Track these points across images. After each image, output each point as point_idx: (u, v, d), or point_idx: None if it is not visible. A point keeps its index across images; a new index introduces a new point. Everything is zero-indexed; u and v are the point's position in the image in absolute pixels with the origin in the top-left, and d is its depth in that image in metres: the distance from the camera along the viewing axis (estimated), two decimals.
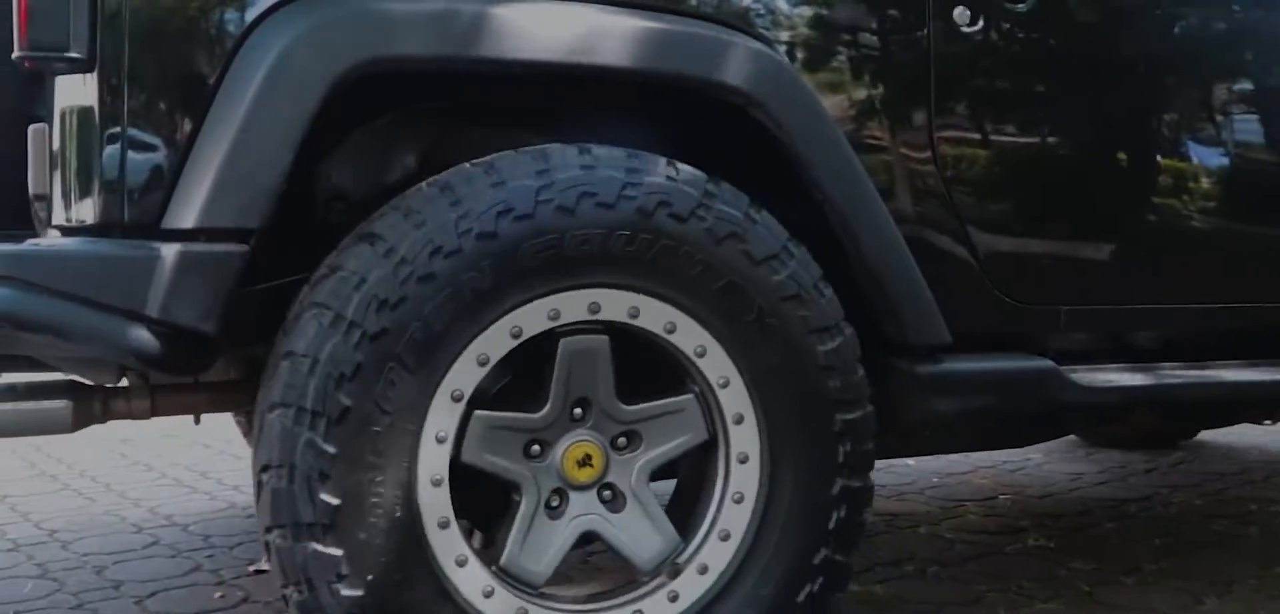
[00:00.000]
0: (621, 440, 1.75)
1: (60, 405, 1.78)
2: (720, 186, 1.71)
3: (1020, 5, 2.01)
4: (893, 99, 1.96)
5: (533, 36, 1.66)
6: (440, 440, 1.60)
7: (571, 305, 1.65)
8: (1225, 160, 2.21)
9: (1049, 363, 2.04)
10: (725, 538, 1.76)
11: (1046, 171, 2.10)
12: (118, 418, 1.90)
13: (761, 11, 1.87)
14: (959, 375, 1.97)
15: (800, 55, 1.88)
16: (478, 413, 1.64)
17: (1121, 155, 2.17)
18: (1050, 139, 2.12)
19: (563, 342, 1.67)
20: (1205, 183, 2.20)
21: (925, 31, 1.95)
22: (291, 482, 1.53)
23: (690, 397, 1.75)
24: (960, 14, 1.97)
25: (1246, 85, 2.26)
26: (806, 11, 1.92)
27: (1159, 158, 2.17)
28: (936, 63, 1.96)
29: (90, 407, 1.83)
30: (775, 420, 1.74)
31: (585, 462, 1.71)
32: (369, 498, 1.55)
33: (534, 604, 1.70)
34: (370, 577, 1.56)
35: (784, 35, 1.88)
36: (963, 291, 2.01)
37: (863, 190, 1.85)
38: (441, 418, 1.60)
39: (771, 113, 1.77)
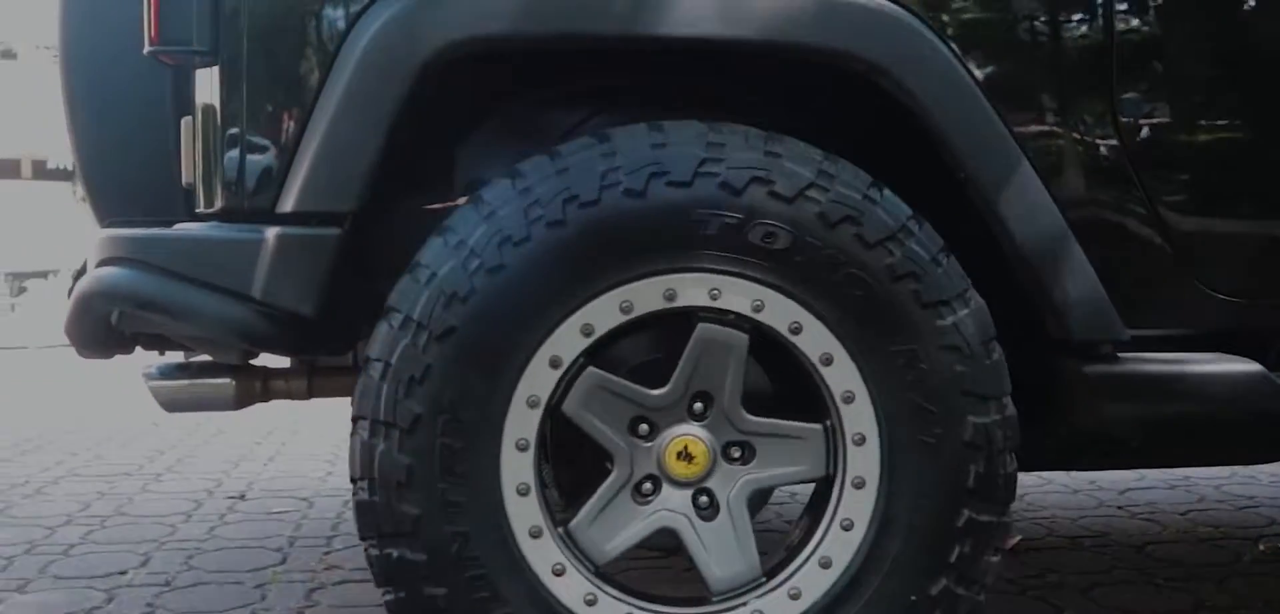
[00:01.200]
0: (735, 450, 1.64)
1: (224, 383, 1.90)
2: (837, 165, 1.58)
3: None
4: (1065, 66, 1.73)
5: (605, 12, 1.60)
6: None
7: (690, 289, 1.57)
8: None
9: (1258, 367, 1.73)
10: (826, 566, 1.62)
11: (1257, 148, 1.79)
12: (278, 397, 2.01)
13: None
14: (1139, 377, 1.71)
15: (942, 17, 1.69)
16: (590, 368, 1.59)
17: None
18: (1266, 108, 1.80)
19: (699, 326, 1.59)
20: None
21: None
22: (372, 494, 1.55)
23: (819, 427, 1.62)
24: None
25: None
26: None
27: None
28: (1118, 20, 1.71)
29: (252, 386, 1.94)
30: (895, 428, 1.58)
31: (685, 456, 1.62)
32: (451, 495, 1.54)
33: (604, 593, 1.62)
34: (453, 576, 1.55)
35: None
36: (1157, 285, 1.75)
37: (1012, 167, 1.64)
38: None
39: (898, 80, 1.60)
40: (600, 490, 1.63)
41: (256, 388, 1.95)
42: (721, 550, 1.65)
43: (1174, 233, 1.74)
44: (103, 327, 1.68)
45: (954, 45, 1.66)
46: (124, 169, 2.02)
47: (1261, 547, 2.70)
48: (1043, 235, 1.65)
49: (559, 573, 1.59)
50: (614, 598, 1.62)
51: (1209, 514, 3.07)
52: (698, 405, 1.62)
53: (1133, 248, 1.74)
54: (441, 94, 1.63)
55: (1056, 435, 1.81)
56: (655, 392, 1.61)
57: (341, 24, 1.63)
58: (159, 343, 1.90)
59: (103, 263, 1.67)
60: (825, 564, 1.63)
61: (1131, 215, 1.73)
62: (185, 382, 1.89)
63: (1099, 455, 2.05)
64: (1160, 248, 1.74)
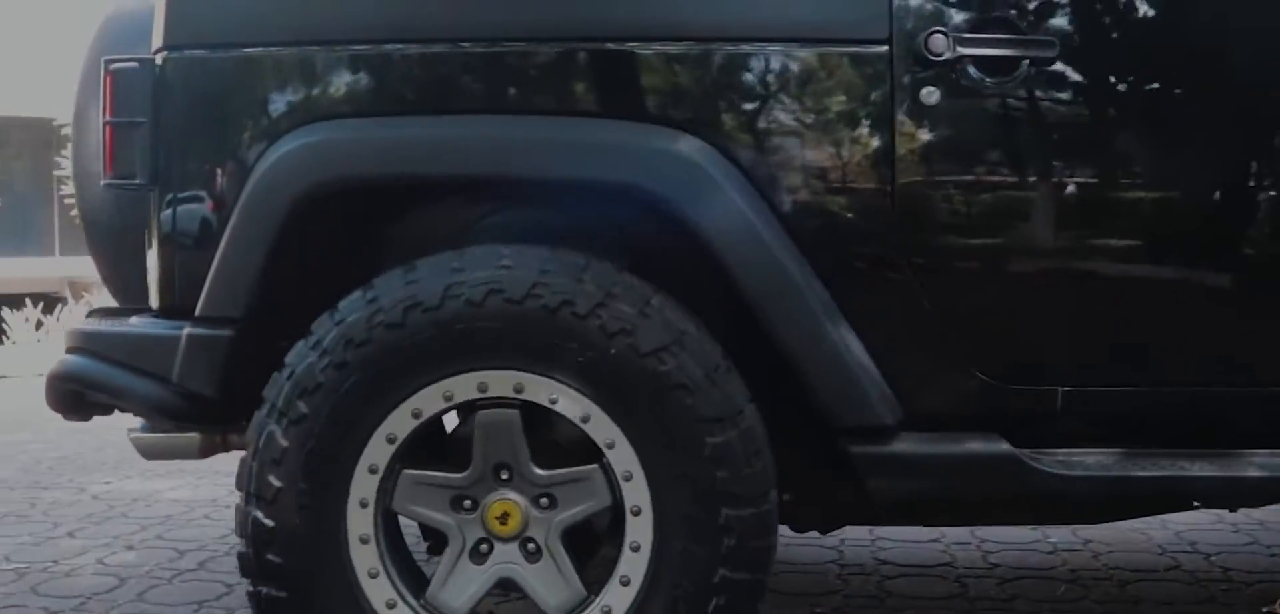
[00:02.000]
0: (543, 500, 1.99)
1: (191, 437, 2.33)
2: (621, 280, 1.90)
3: (992, 82, 1.98)
4: (849, 180, 2.00)
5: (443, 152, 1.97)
6: (364, 504, 1.95)
7: (498, 383, 1.93)
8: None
9: (1006, 447, 1.97)
10: (625, 583, 1.94)
11: (1020, 254, 2.04)
12: (235, 449, 2.44)
13: (685, 103, 2.00)
14: (899, 458, 1.98)
15: (727, 144, 1.97)
16: (404, 472, 1.97)
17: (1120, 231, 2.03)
18: (1031, 217, 2.03)
19: (478, 414, 1.95)
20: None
21: (889, 109, 1.98)
22: (247, 548, 1.94)
23: (595, 467, 1.95)
24: (928, 97, 1.98)
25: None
26: (740, 99, 2.01)
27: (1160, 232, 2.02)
28: (900, 137, 1.99)
29: (213, 439, 2.37)
30: (664, 509, 1.90)
31: (503, 518, 1.97)
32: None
33: None
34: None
35: (711, 124, 1.98)
36: (936, 373, 2.01)
37: (777, 276, 1.93)
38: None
39: (674, 207, 1.92)
40: (443, 561, 1.99)
41: (217, 441, 2.38)
42: (550, 584, 1.98)
43: (949, 331, 2.00)
44: (72, 398, 2.15)
45: (739, 174, 1.96)
46: (128, 276, 2.48)
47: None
48: (803, 334, 1.93)
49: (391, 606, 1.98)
50: None
51: None
52: (504, 473, 1.97)
53: (916, 344, 2.00)
54: (352, 205, 2.02)
55: (850, 498, 2.10)
56: (460, 475, 1.96)
57: (246, 168, 2.04)
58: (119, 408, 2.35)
59: (67, 350, 2.14)
60: (625, 582, 1.95)
61: (914, 317, 1.99)
62: (160, 435, 2.34)
63: (891, 517, 2.32)
64: (939, 343, 2.00)
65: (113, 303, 2.57)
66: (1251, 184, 2.05)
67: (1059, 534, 3.27)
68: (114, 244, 2.41)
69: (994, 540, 3.25)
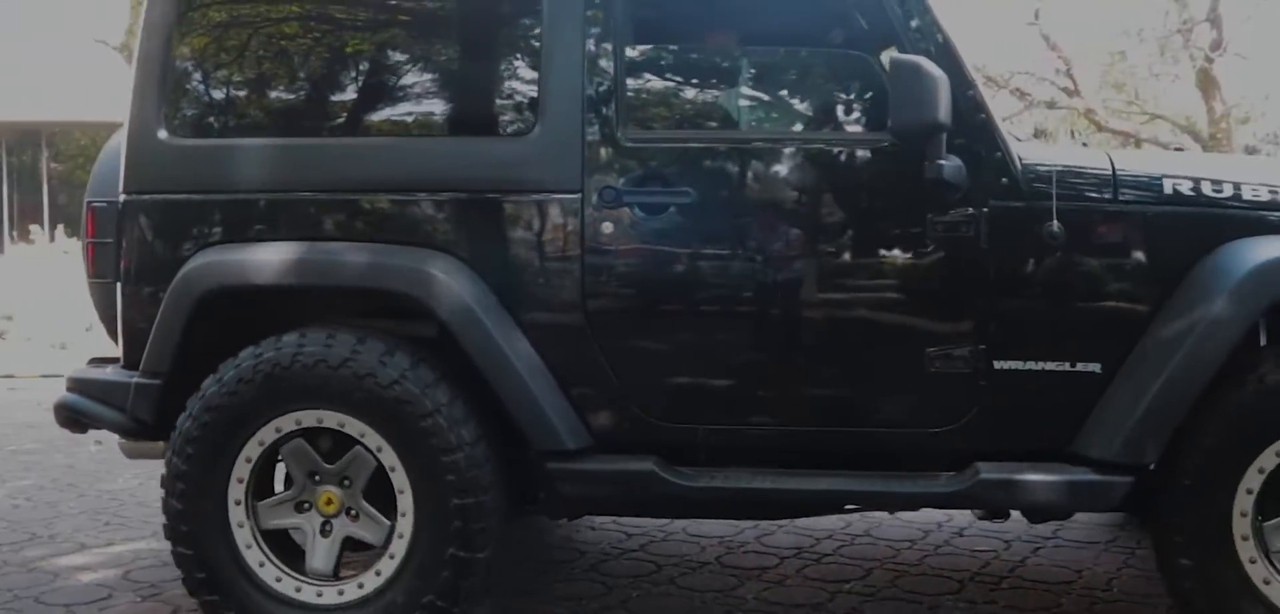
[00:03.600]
0: (346, 481, 3.07)
1: (157, 444, 3.47)
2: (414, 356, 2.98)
3: (646, 217, 2.99)
4: (553, 279, 3.04)
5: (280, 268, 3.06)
6: (240, 525, 3.06)
7: (308, 418, 3.01)
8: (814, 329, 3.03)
9: (650, 465, 2.99)
10: (392, 558, 3.03)
11: (666, 329, 3.06)
12: None
13: (447, 229, 3.05)
14: (576, 471, 3.02)
15: (469, 256, 3.02)
16: (259, 503, 3.08)
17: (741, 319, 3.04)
18: (673, 304, 3.04)
19: (282, 448, 3.05)
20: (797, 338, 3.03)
21: (579, 238, 3.02)
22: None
23: (356, 447, 3.01)
24: (606, 228, 3.01)
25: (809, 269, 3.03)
26: (485, 228, 3.05)
27: (764, 322, 3.02)
28: (588, 254, 3.01)
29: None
30: (418, 491, 2.98)
31: (329, 502, 3.08)
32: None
33: (307, 584, 3.09)
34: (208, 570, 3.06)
35: (461, 245, 3.03)
36: (612, 412, 3.05)
37: (494, 351, 2.98)
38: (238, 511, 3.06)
39: (420, 302, 2.98)
40: (308, 545, 3.09)
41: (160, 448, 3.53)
42: (371, 527, 3.06)
43: (621, 384, 3.03)
44: (69, 419, 3.32)
45: (472, 275, 3.00)
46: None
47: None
48: (509, 389, 2.97)
49: (260, 565, 3.08)
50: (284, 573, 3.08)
51: None
52: (315, 477, 3.06)
53: (598, 392, 3.04)
54: (238, 299, 3.10)
55: (556, 498, 3.15)
56: (290, 491, 3.08)
57: (171, 275, 3.12)
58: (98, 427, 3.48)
59: (66, 388, 3.31)
60: (401, 535, 3.00)
61: (597, 374, 3.03)
62: (137, 443, 3.49)
63: (583, 511, 3.36)
64: (614, 392, 3.03)
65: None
66: (808, 295, 3.03)
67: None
68: (108, 316, 3.55)
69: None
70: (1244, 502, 2.85)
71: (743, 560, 3.98)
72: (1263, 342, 3.01)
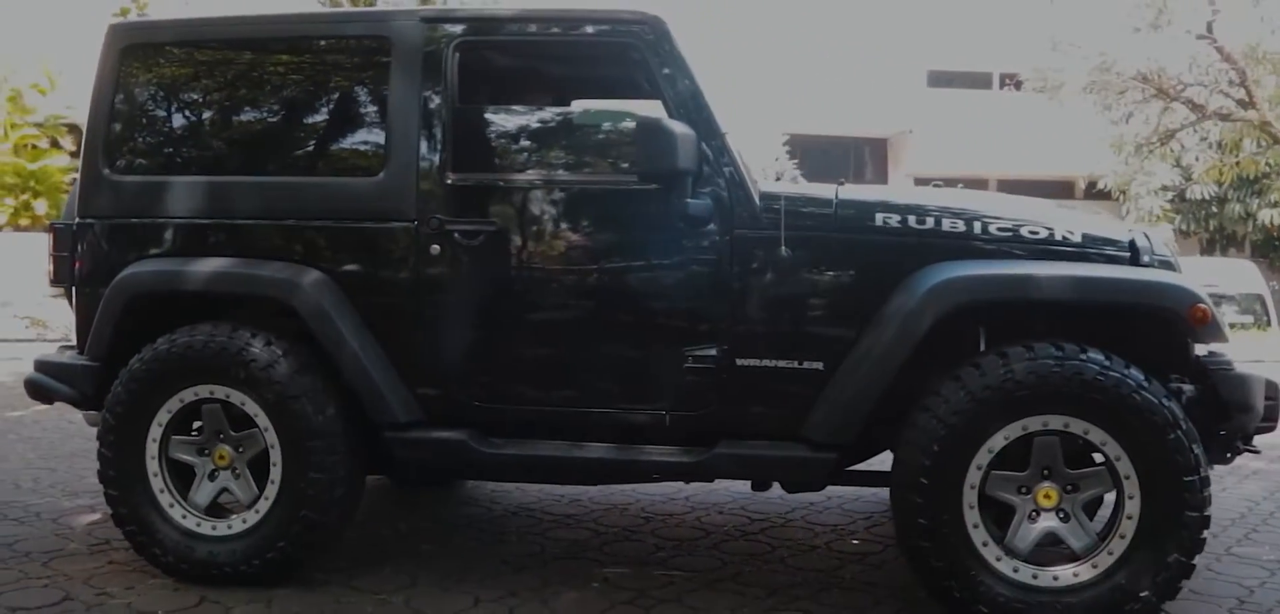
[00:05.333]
0: (241, 448, 3.94)
1: None
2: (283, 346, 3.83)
3: (465, 240, 3.80)
4: (393, 287, 3.86)
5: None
6: (152, 456, 3.96)
7: (217, 391, 3.89)
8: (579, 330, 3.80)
9: (460, 435, 3.81)
10: (258, 510, 3.89)
11: (478, 329, 3.86)
12: None
13: (322, 248, 3.89)
14: (404, 439, 3.84)
15: (330, 268, 3.87)
16: (174, 437, 3.97)
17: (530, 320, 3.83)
18: (484, 310, 3.84)
19: (204, 408, 3.93)
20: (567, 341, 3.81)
21: (415, 250, 3.84)
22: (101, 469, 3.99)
23: (253, 430, 3.89)
24: (434, 249, 3.83)
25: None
26: (339, 248, 3.88)
27: (557, 325, 3.81)
28: (422, 266, 3.83)
29: None
30: (284, 452, 3.83)
31: (221, 456, 3.96)
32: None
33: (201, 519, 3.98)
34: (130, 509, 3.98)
35: (324, 259, 3.87)
36: (441, 393, 3.87)
37: (345, 346, 3.81)
38: (152, 439, 3.96)
39: (289, 305, 3.83)
40: (196, 483, 3.96)
41: None
42: (243, 488, 3.92)
43: (445, 370, 3.85)
44: (37, 392, 4.24)
45: (330, 282, 3.85)
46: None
47: (855, 542, 4.54)
48: (353, 374, 3.81)
49: (170, 504, 3.97)
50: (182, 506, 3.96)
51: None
52: (220, 435, 3.93)
53: (428, 377, 3.86)
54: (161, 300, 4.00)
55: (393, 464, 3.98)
56: (199, 437, 3.96)
57: (108, 282, 4.03)
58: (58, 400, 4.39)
59: (34, 367, 4.24)
60: (273, 482, 3.84)
61: (428, 362, 3.85)
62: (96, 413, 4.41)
63: (417, 476, 4.18)
64: (441, 377, 3.85)
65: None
66: (593, 305, 3.80)
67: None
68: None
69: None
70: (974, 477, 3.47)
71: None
72: (981, 347, 3.69)
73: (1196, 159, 21.21)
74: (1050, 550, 3.53)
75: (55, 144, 15.12)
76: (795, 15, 22.22)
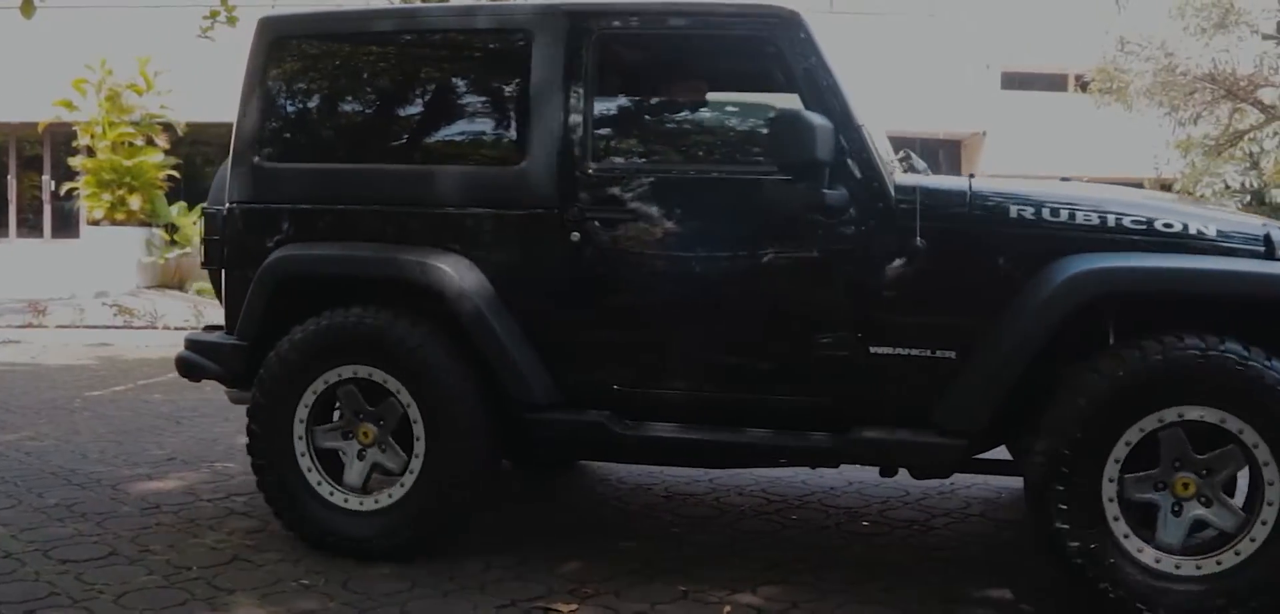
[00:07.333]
0: (381, 422, 4.09)
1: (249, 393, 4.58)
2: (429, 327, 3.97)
3: (604, 229, 3.91)
4: (542, 272, 3.97)
5: None
6: (299, 438, 4.11)
7: (362, 370, 4.05)
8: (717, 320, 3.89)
9: (600, 418, 3.91)
10: (403, 485, 4.04)
11: (621, 319, 3.97)
12: None
13: (455, 237, 4.02)
14: (545, 421, 3.96)
15: (475, 255, 3.99)
16: (317, 427, 4.11)
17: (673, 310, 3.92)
18: (628, 299, 3.95)
19: (340, 390, 4.08)
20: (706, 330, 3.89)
21: (554, 243, 3.95)
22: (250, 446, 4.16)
23: (390, 399, 4.03)
24: (574, 236, 3.95)
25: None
26: (488, 234, 4.01)
27: (695, 312, 3.90)
28: (573, 252, 3.94)
29: None
30: (430, 430, 3.97)
31: (366, 435, 4.10)
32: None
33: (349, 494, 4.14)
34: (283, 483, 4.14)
35: (470, 245, 4.00)
36: (582, 377, 3.98)
37: (488, 329, 3.94)
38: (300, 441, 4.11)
39: (440, 292, 3.97)
40: (347, 463, 4.12)
41: None
42: (392, 457, 4.06)
43: (586, 356, 3.97)
44: (186, 369, 4.42)
45: (474, 269, 3.98)
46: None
47: (866, 524, 4.66)
48: (496, 356, 3.93)
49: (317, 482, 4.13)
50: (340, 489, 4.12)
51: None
52: (360, 415, 4.08)
53: (569, 362, 3.97)
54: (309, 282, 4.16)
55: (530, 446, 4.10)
56: (342, 422, 4.13)
57: (258, 265, 4.21)
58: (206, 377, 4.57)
59: (185, 345, 4.42)
60: (418, 455, 3.99)
61: (569, 347, 3.98)
62: (237, 392, 4.59)
63: (557, 455, 4.30)
64: (582, 361, 3.97)
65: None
66: (734, 293, 3.88)
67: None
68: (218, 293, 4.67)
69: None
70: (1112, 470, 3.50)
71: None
72: (1111, 341, 3.73)
73: (1274, 161, 20.87)
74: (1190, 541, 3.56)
75: (150, 142, 15.50)
76: (867, 15, 22.16)
